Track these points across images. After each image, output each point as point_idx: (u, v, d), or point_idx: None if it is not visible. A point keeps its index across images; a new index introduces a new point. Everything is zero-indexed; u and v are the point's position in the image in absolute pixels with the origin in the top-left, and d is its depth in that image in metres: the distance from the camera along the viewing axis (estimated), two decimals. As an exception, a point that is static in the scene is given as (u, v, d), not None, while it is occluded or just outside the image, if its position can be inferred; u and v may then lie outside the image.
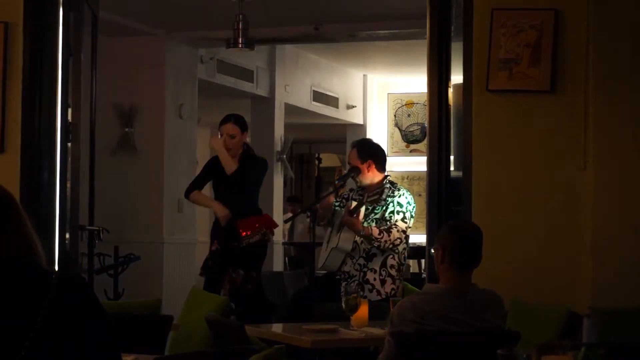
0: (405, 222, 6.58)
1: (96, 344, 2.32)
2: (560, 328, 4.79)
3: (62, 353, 2.26)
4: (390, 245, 6.54)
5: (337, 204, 6.90)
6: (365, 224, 6.54)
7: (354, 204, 6.64)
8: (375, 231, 6.51)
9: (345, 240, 6.58)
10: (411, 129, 13.37)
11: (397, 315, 4.00)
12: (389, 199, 6.58)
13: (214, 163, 7.26)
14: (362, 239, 6.55)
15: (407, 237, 6.64)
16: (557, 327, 4.79)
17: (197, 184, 7.28)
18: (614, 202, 5.45)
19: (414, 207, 6.66)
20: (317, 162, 17.13)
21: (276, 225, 7.42)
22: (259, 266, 7.16)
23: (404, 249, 6.66)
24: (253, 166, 7.14)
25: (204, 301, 5.46)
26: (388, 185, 6.61)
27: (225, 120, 7.15)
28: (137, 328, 4.66)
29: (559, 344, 2.87)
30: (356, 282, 6.55)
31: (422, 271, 9.78)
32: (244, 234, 7.04)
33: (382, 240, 6.50)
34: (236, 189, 7.06)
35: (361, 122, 13.53)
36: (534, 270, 5.50)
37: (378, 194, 6.53)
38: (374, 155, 6.76)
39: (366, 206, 6.55)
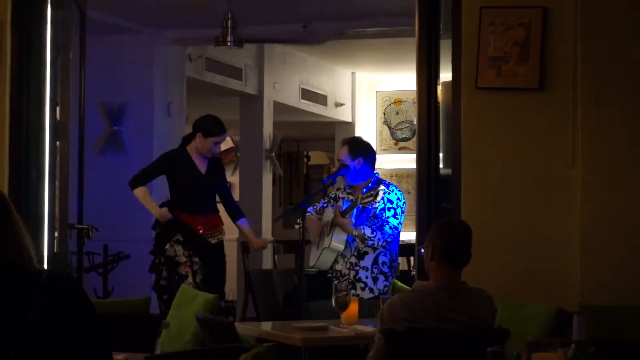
0: (397, 219, 6.60)
1: (87, 343, 2.31)
2: (550, 325, 4.79)
3: (53, 352, 2.26)
4: (383, 243, 6.57)
5: (324, 203, 6.92)
6: (357, 224, 6.56)
7: (344, 203, 6.65)
8: (368, 230, 6.52)
9: (337, 240, 6.60)
10: (400, 127, 13.37)
11: (387, 312, 4.00)
12: (379, 196, 6.59)
13: (174, 160, 7.23)
14: (354, 237, 6.57)
15: (398, 234, 6.65)
16: (547, 325, 4.80)
17: (145, 178, 7.28)
18: (602, 200, 5.46)
19: (404, 202, 6.68)
20: (305, 160, 17.12)
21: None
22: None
23: (396, 245, 6.68)
24: (220, 166, 7.31)
25: (193, 299, 5.45)
26: (382, 187, 6.62)
27: (222, 130, 7.23)
28: (127, 327, 4.65)
29: (549, 341, 2.87)
30: (348, 280, 6.56)
31: (412, 269, 9.80)
32: (215, 228, 7.20)
33: (375, 238, 6.52)
34: (210, 187, 7.20)
35: (350, 120, 13.52)
36: (523, 268, 5.51)
37: (372, 196, 6.52)
38: (364, 153, 6.78)
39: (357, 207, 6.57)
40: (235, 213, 7.52)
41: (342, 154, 6.82)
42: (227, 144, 15.72)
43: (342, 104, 13.31)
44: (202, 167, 7.19)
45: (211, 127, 7.15)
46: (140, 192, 7.19)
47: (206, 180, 7.19)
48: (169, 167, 7.21)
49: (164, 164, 7.26)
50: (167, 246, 7.05)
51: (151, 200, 7.22)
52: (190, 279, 6.97)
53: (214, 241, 7.21)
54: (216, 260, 7.23)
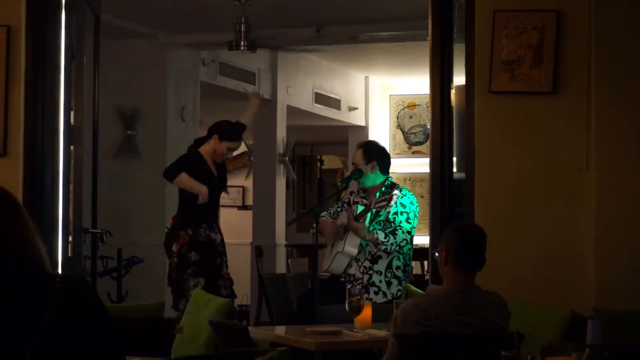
0: (410, 223, 6.60)
1: (100, 347, 2.32)
2: (564, 330, 4.78)
3: (67, 356, 2.26)
4: (397, 248, 6.56)
5: (338, 208, 6.92)
6: (371, 228, 6.55)
7: (358, 207, 6.65)
8: (381, 235, 6.52)
9: (351, 244, 6.60)
10: (413, 131, 13.36)
11: (401, 316, 3.99)
12: (392, 201, 6.59)
13: (194, 162, 7.18)
14: (368, 242, 6.57)
15: (411, 238, 6.64)
16: (561, 329, 4.79)
17: (183, 168, 7.19)
18: (616, 204, 5.45)
19: (416, 207, 6.68)
20: (319, 164, 17.12)
21: None
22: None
23: (409, 249, 6.67)
24: (225, 170, 7.32)
25: (207, 303, 5.46)
26: (395, 192, 6.61)
27: (240, 137, 7.22)
28: (141, 331, 4.66)
29: (563, 345, 2.86)
30: (361, 284, 6.55)
31: (425, 273, 9.78)
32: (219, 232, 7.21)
33: (389, 243, 6.52)
34: (220, 190, 7.21)
35: (363, 124, 13.52)
36: (537, 272, 5.50)
37: (386, 201, 6.51)
38: (379, 157, 6.78)
39: (371, 211, 6.57)
40: None
41: (357, 156, 6.82)
42: (240, 148, 15.74)
43: (355, 108, 13.31)
44: (214, 171, 7.20)
45: (228, 131, 7.14)
46: (183, 177, 7.08)
47: (218, 183, 7.21)
48: (189, 168, 7.18)
49: (186, 164, 7.19)
50: (202, 232, 7.05)
51: (195, 181, 7.14)
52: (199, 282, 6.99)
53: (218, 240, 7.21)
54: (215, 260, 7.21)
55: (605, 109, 5.44)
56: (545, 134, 5.54)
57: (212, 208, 7.24)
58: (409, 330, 3.91)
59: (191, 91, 10.11)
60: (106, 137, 8.53)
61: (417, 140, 13.31)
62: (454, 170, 5.93)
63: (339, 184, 7.16)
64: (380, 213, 6.59)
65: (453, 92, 5.92)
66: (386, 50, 11.18)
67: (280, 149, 11.64)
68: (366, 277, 6.61)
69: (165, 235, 7.20)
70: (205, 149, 7.17)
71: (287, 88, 11.74)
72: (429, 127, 6.21)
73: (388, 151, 7.12)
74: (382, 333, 4.94)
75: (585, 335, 2.75)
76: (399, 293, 6.55)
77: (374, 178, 6.76)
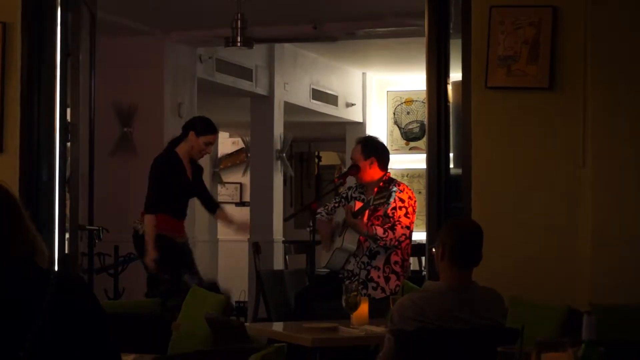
0: (408, 218, 6.59)
1: (95, 344, 2.31)
2: (560, 325, 4.78)
3: (61, 353, 2.26)
4: (396, 243, 6.56)
5: (335, 203, 6.92)
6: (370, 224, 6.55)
7: (356, 203, 6.65)
8: (380, 230, 6.52)
9: (349, 240, 6.60)
10: (410, 127, 13.36)
11: (397, 313, 4.00)
12: (391, 198, 6.58)
13: (168, 164, 6.89)
14: (366, 238, 6.57)
15: (410, 233, 6.64)
16: (557, 324, 4.79)
17: (159, 203, 6.84)
18: (613, 199, 5.45)
19: (415, 201, 6.67)
20: (316, 160, 17.12)
21: None
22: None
23: (408, 244, 6.67)
24: (200, 172, 7.11)
25: (204, 300, 5.46)
26: (394, 189, 6.60)
27: (216, 130, 7.08)
28: (138, 328, 4.66)
29: (559, 341, 2.86)
30: (359, 280, 6.55)
31: (422, 269, 9.79)
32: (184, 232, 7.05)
33: (388, 238, 6.52)
34: (192, 192, 7.04)
35: (360, 120, 13.52)
36: (534, 268, 5.50)
37: (385, 197, 6.49)
38: (378, 153, 6.77)
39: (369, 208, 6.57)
40: (214, 204, 7.29)
41: (355, 152, 6.82)
42: (237, 144, 15.75)
43: (352, 104, 13.31)
44: (189, 173, 7.01)
45: (203, 126, 7.02)
46: (154, 219, 6.76)
47: (192, 185, 7.04)
48: (165, 172, 6.94)
49: (164, 172, 6.94)
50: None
51: (152, 239, 6.76)
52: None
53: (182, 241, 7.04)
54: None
55: (601, 104, 5.44)
56: (542, 130, 5.54)
57: (182, 212, 7.04)
58: (406, 326, 3.91)
59: (188, 88, 10.10)
60: (103, 134, 8.51)
61: (414, 136, 13.32)
62: (451, 166, 5.94)
63: (336, 180, 7.16)
64: (379, 208, 6.59)
65: (450, 88, 5.92)
66: (383, 47, 11.18)
67: (278, 145, 11.63)
68: (364, 272, 6.61)
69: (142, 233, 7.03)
70: (182, 149, 6.95)
71: (284, 84, 11.74)
72: (425, 122, 6.21)
73: (387, 147, 7.11)
74: (378, 329, 4.94)
75: (582, 331, 2.75)
76: (397, 288, 6.55)
77: (372, 174, 6.75)
